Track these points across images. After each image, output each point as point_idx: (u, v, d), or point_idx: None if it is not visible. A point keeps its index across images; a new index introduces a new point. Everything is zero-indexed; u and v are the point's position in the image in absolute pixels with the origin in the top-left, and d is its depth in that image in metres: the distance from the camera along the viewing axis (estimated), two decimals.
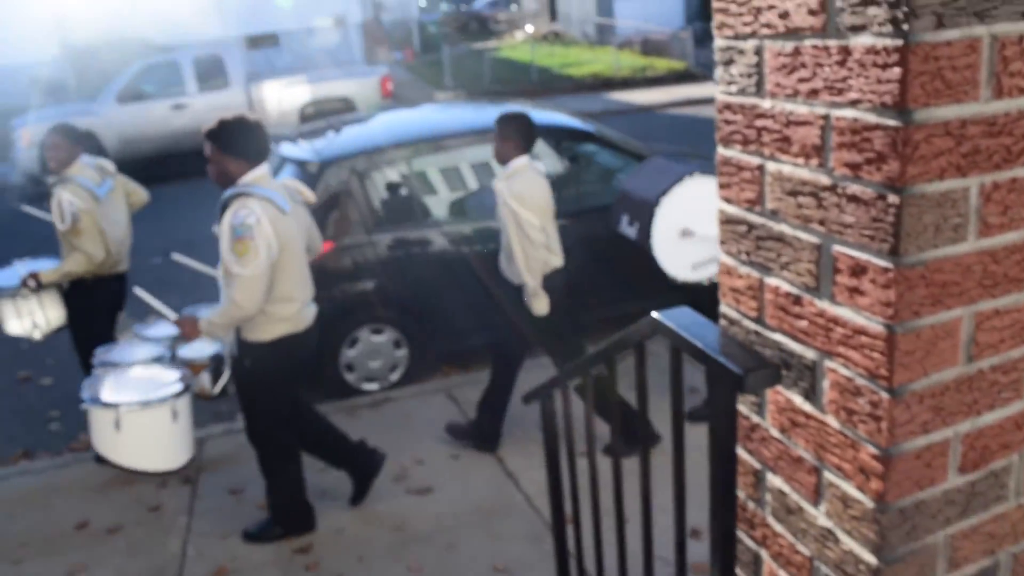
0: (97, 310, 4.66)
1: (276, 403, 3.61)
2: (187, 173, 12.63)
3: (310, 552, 3.72)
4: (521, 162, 4.02)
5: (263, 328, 3.43)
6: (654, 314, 1.53)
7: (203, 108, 12.83)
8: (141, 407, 3.65)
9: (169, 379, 3.87)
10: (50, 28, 20.45)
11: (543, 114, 6.13)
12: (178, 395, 3.75)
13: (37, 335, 4.80)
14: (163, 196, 11.30)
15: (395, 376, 5.36)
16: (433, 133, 5.60)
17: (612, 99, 17.24)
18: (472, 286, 5.09)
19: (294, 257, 3.42)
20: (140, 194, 4.94)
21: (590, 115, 8.17)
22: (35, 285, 4.48)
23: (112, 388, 3.80)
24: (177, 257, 4.48)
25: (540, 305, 4.03)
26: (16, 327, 4.76)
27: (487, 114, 6.39)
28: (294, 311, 3.47)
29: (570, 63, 21.12)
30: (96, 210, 4.42)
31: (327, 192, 5.13)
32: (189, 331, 3.49)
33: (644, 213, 3.95)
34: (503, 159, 4.06)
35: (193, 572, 3.67)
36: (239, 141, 3.39)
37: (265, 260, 3.24)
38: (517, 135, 4.02)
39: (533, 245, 3.92)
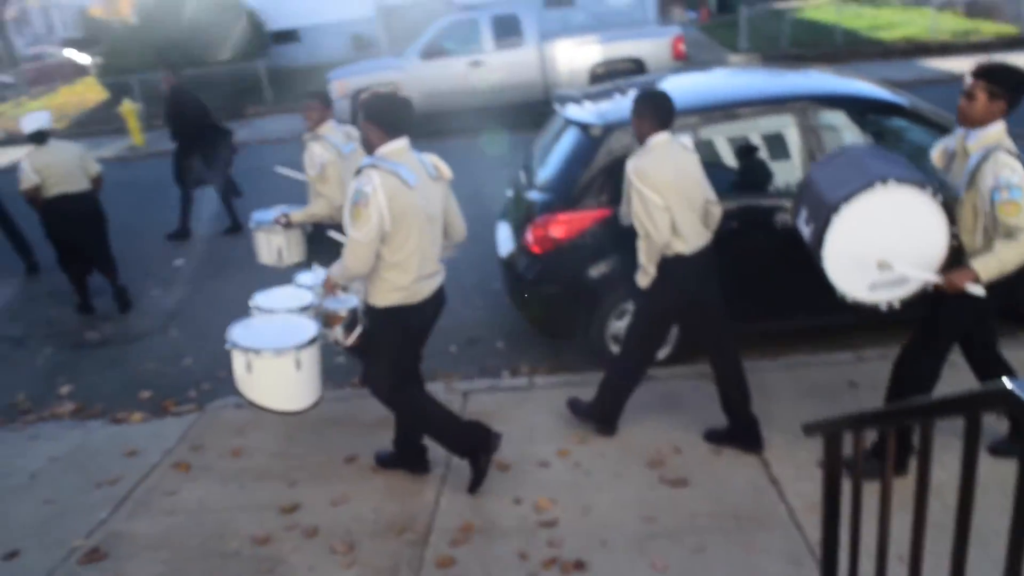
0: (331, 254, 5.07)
1: (386, 366, 3.79)
2: (479, 128, 13.15)
3: (555, 526, 3.66)
4: (658, 139, 3.86)
5: (379, 294, 3.64)
6: (1009, 385, 1.19)
7: (498, 65, 13.22)
8: (269, 354, 3.92)
9: (302, 330, 4.09)
10: None
11: (845, 83, 5.54)
12: (302, 346, 3.95)
13: (281, 266, 5.47)
14: (455, 149, 11.87)
15: (662, 354, 5.15)
16: (723, 100, 5.22)
17: (927, 67, 15.50)
18: (757, 266, 4.74)
19: (414, 230, 3.53)
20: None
21: (900, 84, 7.31)
22: (285, 222, 5.26)
23: (253, 333, 4.11)
24: (280, 169, 5.00)
25: (642, 279, 3.95)
26: (266, 257, 5.51)
27: (784, 81, 5.89)
28: (408, 282, 3.59)
29: (880, 25, 19.30)
30: (339, 163, 5.10)
31: (609, 157, 4.97)
32: (327, 283, 3.77)
33: (821, 215, 3.44)
34: (640, 137, 3.91)
35: (442, 524, 3.75)
36: (383, 114, 3.56)
37: (376, 228, 3.43)
38: (652, 113, 3.86)
39: (655, 225, 3.77)
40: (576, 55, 13.36)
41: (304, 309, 4.41)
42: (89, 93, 23.07)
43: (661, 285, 3.92)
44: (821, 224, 3.40)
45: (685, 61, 13.73)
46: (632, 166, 3.83)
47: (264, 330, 4.16)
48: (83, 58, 31.33)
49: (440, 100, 13.23)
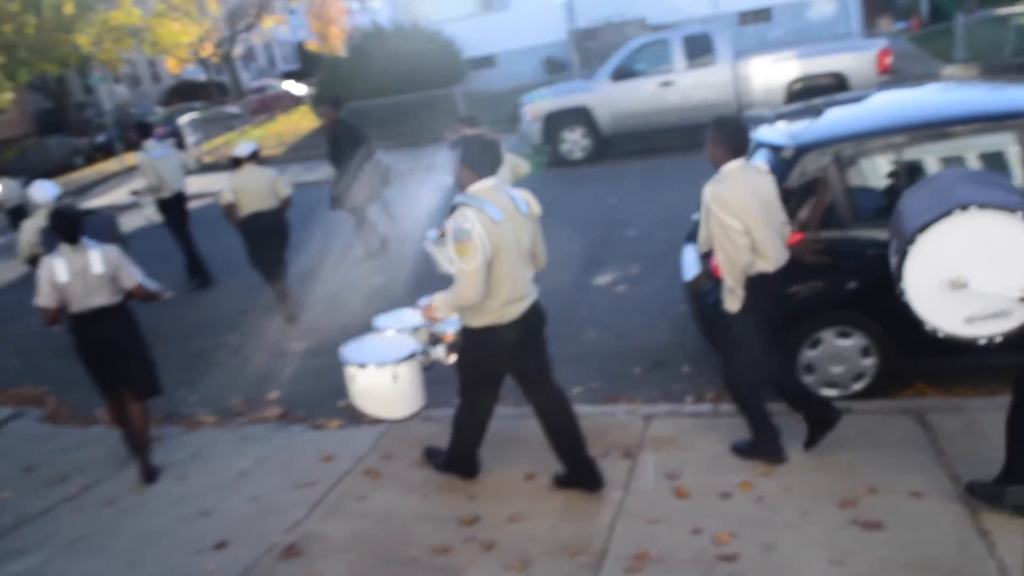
0: None
1: (473, 379, 4.23)
2: (672, 148, 13.04)
3: (735, 561, 3.53)
4: (732, 166, 4.01)
5: (473, 316, 4.01)
6: None
7: (689, 84, 13.06)
8: (371, 367, 4.55)
9: (403, 347, 4.66)
10: (559, 12, 22.44)
11: None
12: (399, 361, 4.53)
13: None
14: (647, 170, 11.87)
15: (858, 386, 4.86)
16: (933, 117, 4.88)
17: None
18: None
19: (503, 260, 3.85)
20: (523, 167, 6.25)
21: None
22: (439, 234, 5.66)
23: (363, 349, 4.75)
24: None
25: (732, 302, 4.07)
26: (446, 266, 5.76)
27: (1004, 96, 5.41)
28: (498, 305, 3.92)
29: None
30: None
31: (802, 179, 4.78)
32: (427, 312, 4.10)
33: (901, 245, 3.33)
34: (715, 163, 4.06)
35: (617, 549, 3.72)
36: (473, 157, 3.93)
37: (482, 258, 3.76)
38: (727, 140, 4.01)
39: (735, 247, 3.93)
40: (772, 72, 12.95)
41: (415, 330, 4.90)
42: (303, 121, 24.95)
43: (750, 303, 4.04)
44: (899, 256, 3.32)
45: (892, 75, 12.96)
46: (709, 194, 3.99)
47: (373, 347, 4.77)
48: (299, 89, 33.96)
49: (630, 121, 13.25)
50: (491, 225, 3.78)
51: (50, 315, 5.13)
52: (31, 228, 7.91)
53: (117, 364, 5.26)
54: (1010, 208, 3.10)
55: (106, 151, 29.25)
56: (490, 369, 4.19)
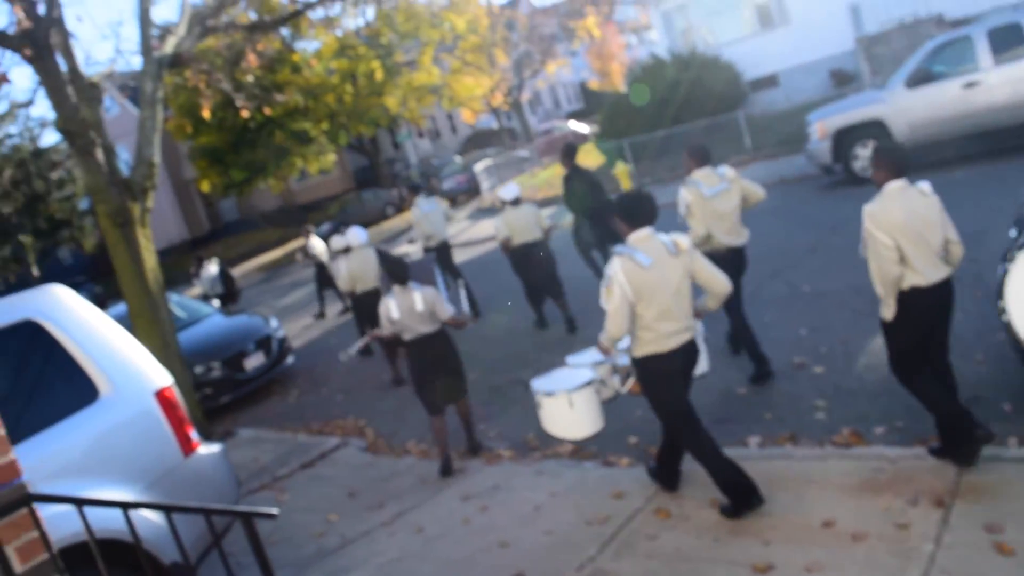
0: None
1: (661, 404, 4.68)
2: (976, 156, 11.79)
3: None
4: (892, 186, 4.35)
5: (637, 347, 4.57)
6: None
7: (998, 83, 11.70)
8: (548, 395, 5.37)
9: (580, 378, 5.38)
10: (845, 19, 21.19)
11: None
12: (572, 390, 5.26)
13: None
14: (949, 182, 10.81)
15: None
16: None
17: None
18: None
19: (654, 299, 4.38)
20: (756, 194, 6.54)
21: None
22: None
23: (550, 380, 5.58)
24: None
25: (885, 311, 4.42)
26: None
27: None
28: (654, 337, 4.46)
29: None
30: (703, 202, 6.31)
31: None
32: (599, 346, 4.72)
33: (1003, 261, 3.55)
34: (878, 184, 4.42)
35: None
36: (627, 210, 4.53)
37: (619, 301, 4.39)
38: (888, 164, 4.36)
39: (880, 258, 4.29)
40: None
41: (598, 364, 5.45)
42: (589, 159, 25.69)
43: (903, 315, 4.35)
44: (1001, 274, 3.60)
45: None
46: (866, 210, 4.35)
47: (558, 378, 5.57)
48: (583, 127, 35.07)
49: (930, 130, 12.11)
50: (637, 271, 4.37)
51: (386, 340, 7.13)
52: (347, 266, 9.99)
53: (442, 375, 6.57)
54: None
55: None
56: (669, 392, 4.64)
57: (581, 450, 6.21)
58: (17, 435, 3.78)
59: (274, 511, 2.46)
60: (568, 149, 10.46)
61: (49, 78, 8.38)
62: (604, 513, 4.90)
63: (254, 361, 10.93)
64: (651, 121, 20.98)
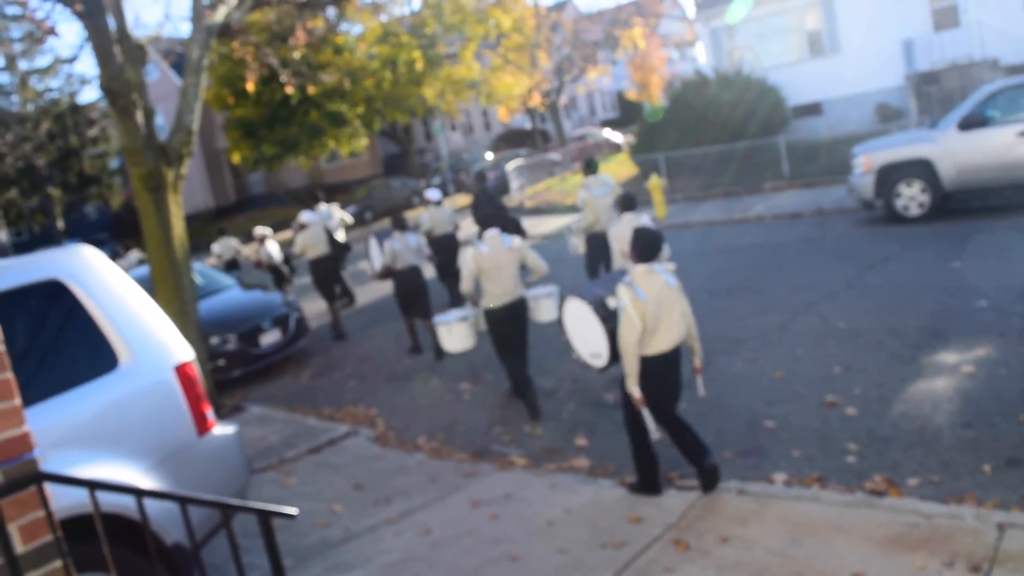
0: None
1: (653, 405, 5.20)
2: (1020, 207, 11.54)
3: None
4: (639, 269, 5.15)
5: (645, 349, 5.12)
6: None
7: None
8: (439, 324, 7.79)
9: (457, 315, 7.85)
10: (897, 55, 20.89)
11: None
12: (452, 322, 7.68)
13: None
14: (999, 231, 10.58)
15: None
16: None
17: None
18: None
19: (657, 322, 5.09)
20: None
21: None
22: None
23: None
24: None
25: (630, 382, 5.10)
26: None
27: None
28: (654, 346, 5.09)
29: None
30: (594, 199, 9.22)
31: None
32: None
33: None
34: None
35: None
36: (638, 246, 5.17)
37: (636, 324, 5.01)
38: (637, 248, 5.16)
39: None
40: None
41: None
42: (621, 169, 25.49)
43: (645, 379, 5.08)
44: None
45: None
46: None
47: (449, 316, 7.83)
48: (618, 137, 34.85)
49: (980, 175, 11.85)
50: (637, 301, 5.01)
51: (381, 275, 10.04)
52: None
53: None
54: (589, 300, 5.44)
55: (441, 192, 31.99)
56: (659, 394, 5.22)
57: (596, 466, 6.04)
58: (30, 397, 3.67)
59: (293, 511, 2.31)
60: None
61: (97, 36, 8.29)
62: (620, 537, 4.73)
63: (270, 338, 10.83)
64: (688, 137, 20.77)
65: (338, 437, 7.80)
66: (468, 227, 15.36)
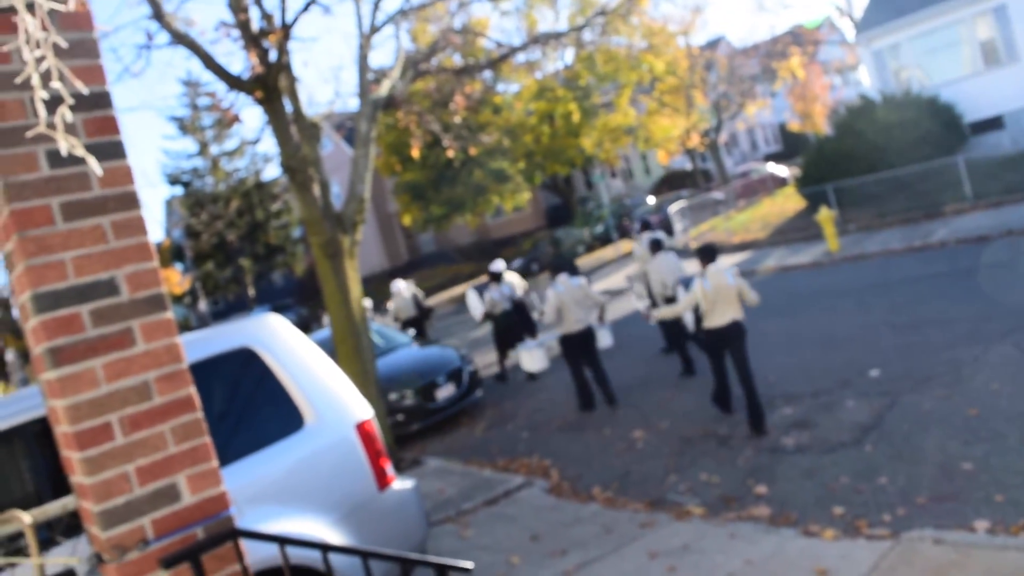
0: None
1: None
2: None
3: None
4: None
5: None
6: None
7: None
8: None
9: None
10: None
11: None
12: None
13: None
14: None
15: None
16: None
17: None
18: None
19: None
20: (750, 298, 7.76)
21: None
22: None
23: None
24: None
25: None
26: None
27: None
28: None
29: None
30: (560, 297, 9.63)
31: None
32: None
33: None
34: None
35: None
36: (553, 262, 7.70)
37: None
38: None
39: None
40: None
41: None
42: (788, 203, 24.69)
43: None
44: None
45: None
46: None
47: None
48: (782, 170, 33.84)
49: None
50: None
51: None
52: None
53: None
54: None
55: (603, 240, 32.11)
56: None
57: (777, 515, 5.79)
58: (226, 457, 3.97)
59: (469, 565, 2.37)
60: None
61: (275, 118, 9.02)
62: None
63: (445, 392, 11.16)
64: (858, 165, 19.84)
65: (513, 488, 7.89)
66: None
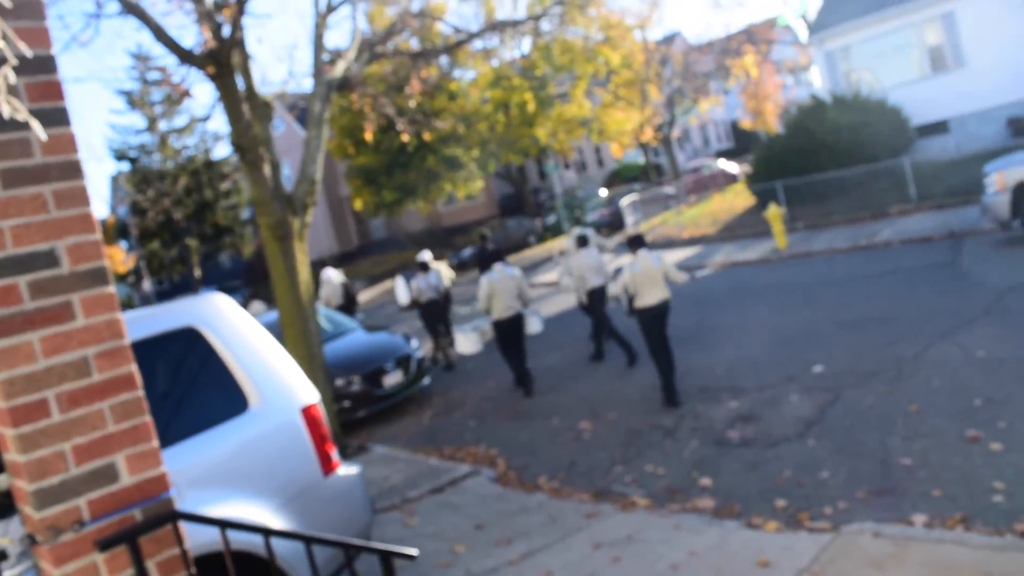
0: None
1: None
2: None
3: None
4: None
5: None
6: None
7: None
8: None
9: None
10: None
11: None
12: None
13: None
14: None
15: None
16: None
17: None
18: None
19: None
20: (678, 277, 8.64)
21: None
22: None
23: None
24: None
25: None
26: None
27: None
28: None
29: None
30: (493, 285, 10.24)
31: None
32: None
33: None
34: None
35: None
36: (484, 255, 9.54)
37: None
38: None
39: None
40: None
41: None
42: (738, 199, 25.00)
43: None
44: None
45: None
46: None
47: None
48: (733, 167, 34.27)
49: None
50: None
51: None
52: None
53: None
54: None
55: (554, 231, 32.16)
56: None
57: (721, 507, 5.86)
58: (167, 439, 3.86)
59: (414, 552, 2.33)
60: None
61: (227, 95, 8.81)
62: None
63: (392, 379, 11.07)
64: (807, 164, 20.16)
65: (459, 477, 7.86)
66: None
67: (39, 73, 2.27)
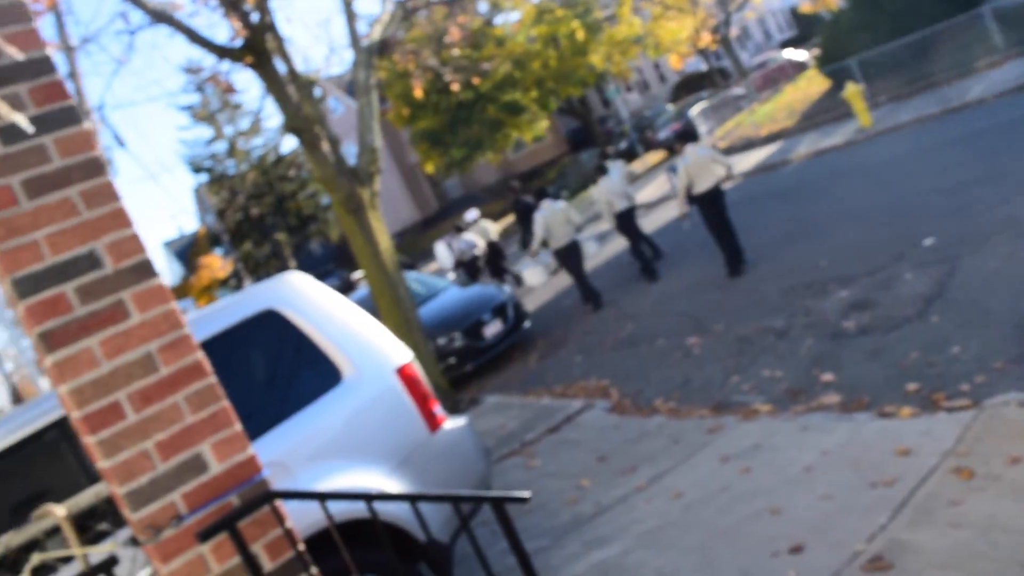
0: None
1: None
2: None
3: None
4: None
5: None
6: None
7: None
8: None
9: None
10: None
11: None
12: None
13: None
14: None
15: None
16: None
17: None
18: None
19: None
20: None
21: None
22: None
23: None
24: None
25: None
26: None
27: None
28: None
29: None
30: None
31: None
32: None
33: None
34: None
35: None
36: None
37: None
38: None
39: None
40: None
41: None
42: (811, 86, 23.85)
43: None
44: None
45: None
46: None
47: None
48: (801, 55, 32.68)
49: None
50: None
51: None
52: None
53: None
54: None
55: (629, 155, 31.47)
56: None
57: (848, 401, 5.56)
58: (269, 422, 3.84)
59: (526, 495, 2.19)
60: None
61: (271, 81, 8.76)
62: (890, 474, 4.26)
63: (492, 329, 11.02)
64: (878, 34, 18.95)
65: (574, 413, 7.75)
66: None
67: (38, 76, 2.18)
